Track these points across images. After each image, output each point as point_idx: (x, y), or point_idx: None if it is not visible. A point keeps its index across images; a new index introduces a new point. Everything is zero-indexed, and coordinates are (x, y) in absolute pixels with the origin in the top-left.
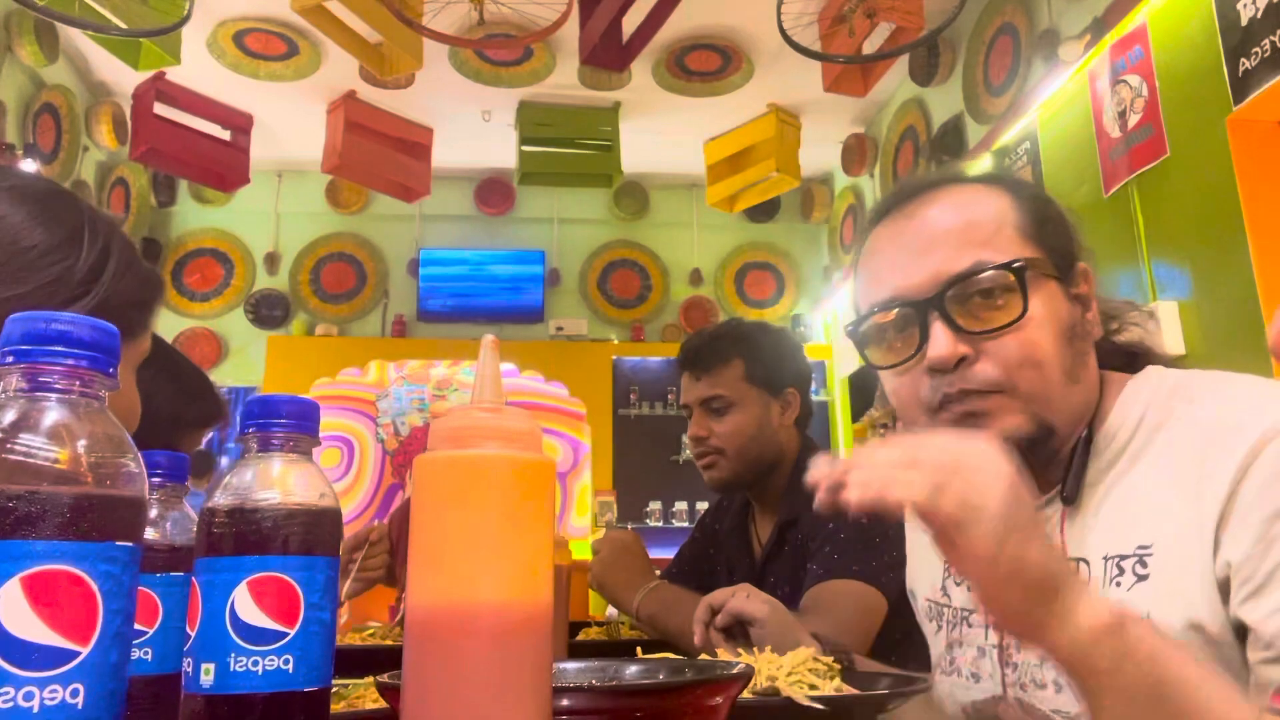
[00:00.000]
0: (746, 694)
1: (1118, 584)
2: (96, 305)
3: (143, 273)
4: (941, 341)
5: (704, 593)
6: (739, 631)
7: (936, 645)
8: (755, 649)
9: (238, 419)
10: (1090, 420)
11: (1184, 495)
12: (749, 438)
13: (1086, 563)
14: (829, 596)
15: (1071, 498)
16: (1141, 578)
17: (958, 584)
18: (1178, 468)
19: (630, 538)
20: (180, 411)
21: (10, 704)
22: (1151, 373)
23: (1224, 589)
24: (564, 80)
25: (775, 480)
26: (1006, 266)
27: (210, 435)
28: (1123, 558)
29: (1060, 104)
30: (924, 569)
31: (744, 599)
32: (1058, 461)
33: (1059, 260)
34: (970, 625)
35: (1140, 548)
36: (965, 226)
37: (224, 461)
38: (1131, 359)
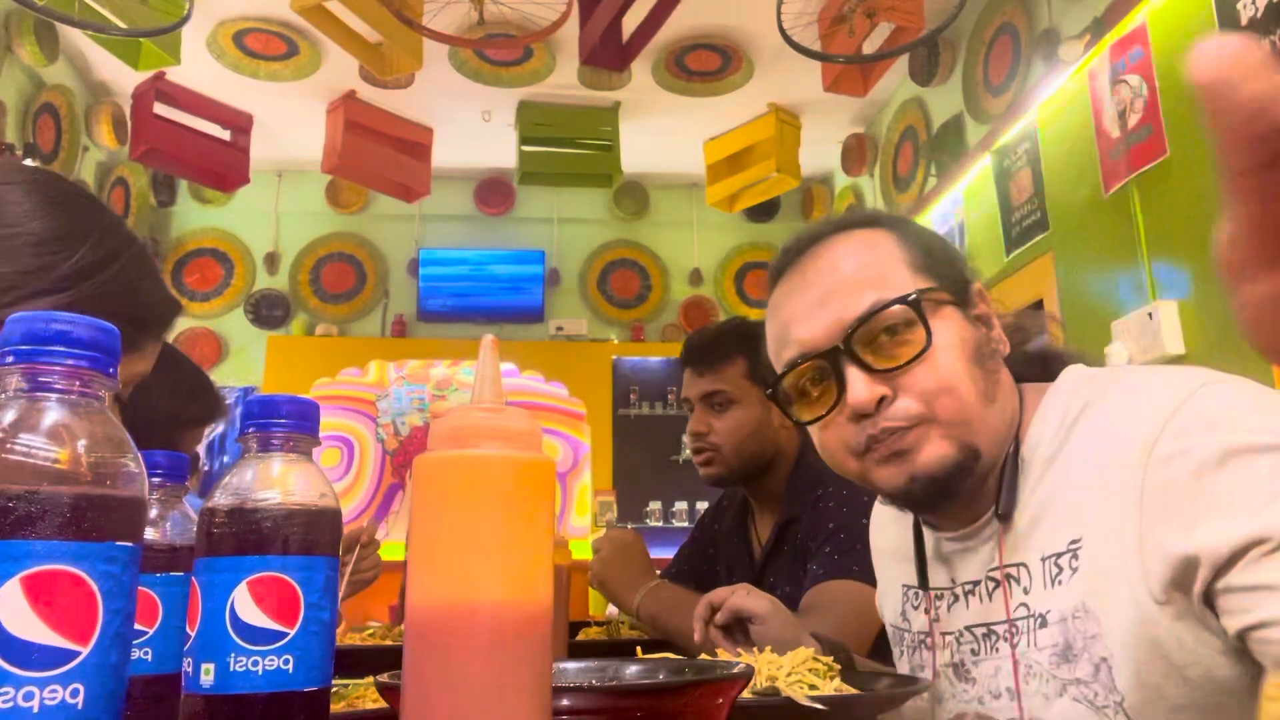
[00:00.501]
0: (746, 694)
1: (1059, 582)
2: (69, 305)
3: (149, 293)
4: (859, 386)
5: (703, 592)
6: (739, 629)
7: (901, 668)
8: (755, 647)
9: (238, 419)
10: (1016, 436)
11: (1102, 483)
12: (748, 435)
13: (1025, 566)
14: (828, 597)
15: (1007, 514)
16: (1076, 570)
17: (915, 608)
18: (1094, 459)
19: (631, 537)
20: (179, 409)
21: (10, 704)
22: (1067, 375)
23: (1179, 579)
24: (564, 80)
25: (773, 479)
26: (903, 300)
27: (211, 434)
28: (1058, 555)
29: (1060, 104)
30: (889, 595)
31: (744, 596)
32: (989, 485)
33: (952, 286)
34: (928, 648)
35: (1071, 542)
36: (857, 271)
37: (203, 460)
38: (1045, 366)
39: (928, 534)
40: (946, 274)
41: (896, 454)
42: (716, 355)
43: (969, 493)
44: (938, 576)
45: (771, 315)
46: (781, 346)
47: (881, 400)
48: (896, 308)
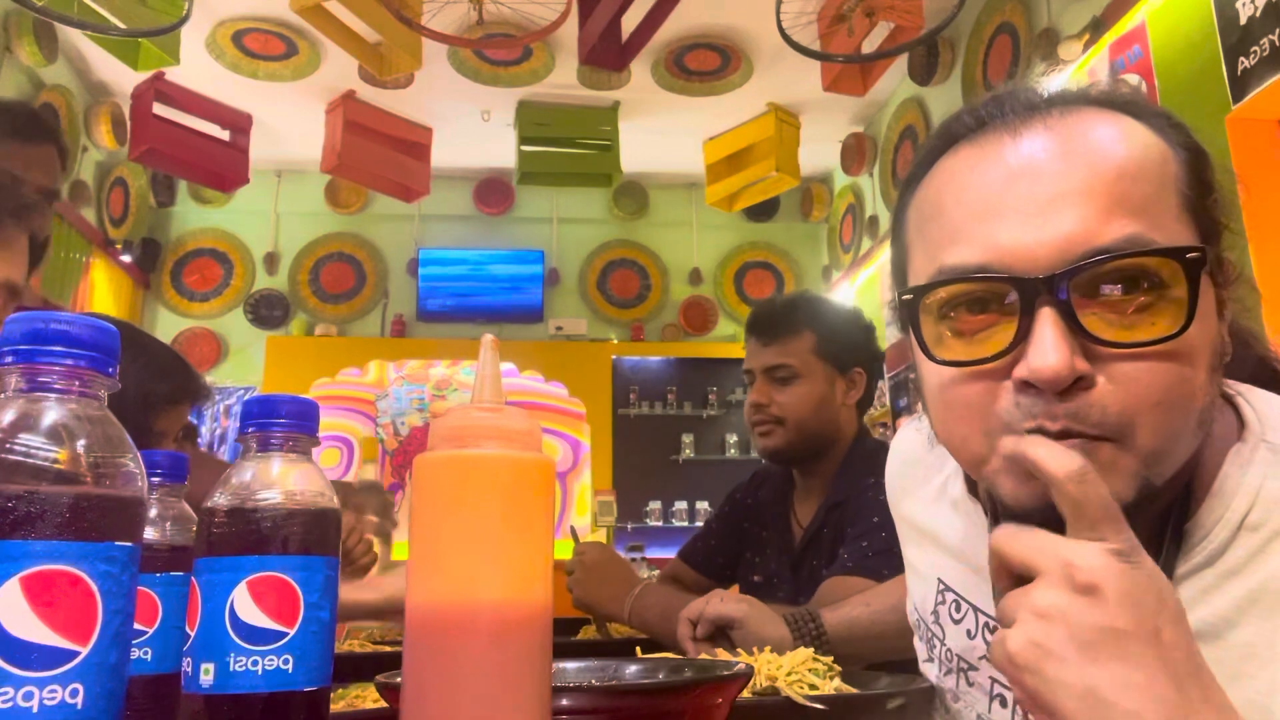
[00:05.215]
0: (746, 694)
1: None
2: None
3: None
4: (1053, 348)
5: (736, 567)
6: (722, 636)
7: (929, 670)
8: (738, 650)
9: (237, 419)
10: (1187, 479)
11: None
12: (810, 410)
13: None
14: (844, 593)
15: None
16: None
17: (956, 621)
18: None
19: (600, 553)
20: (148, 389)
21: (10, 704)
22: (1264, 430)
23: None
24: (563, 80)
25: (827, 462)
26: (1178, 254)
27: (189, 413)
28: None
29: None
30: (921, 579)
31: (719, 604)
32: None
33: (1215, 250)
34: (970, 684)
35: None
36: (1117, 178)
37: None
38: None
39: None
40: (1212, 230)
41: None
42: (784, 327)
43: None
44: None
45: (945, 189)
46: (951, 242)
47: (1078, 382)
48: (1163, 260)
